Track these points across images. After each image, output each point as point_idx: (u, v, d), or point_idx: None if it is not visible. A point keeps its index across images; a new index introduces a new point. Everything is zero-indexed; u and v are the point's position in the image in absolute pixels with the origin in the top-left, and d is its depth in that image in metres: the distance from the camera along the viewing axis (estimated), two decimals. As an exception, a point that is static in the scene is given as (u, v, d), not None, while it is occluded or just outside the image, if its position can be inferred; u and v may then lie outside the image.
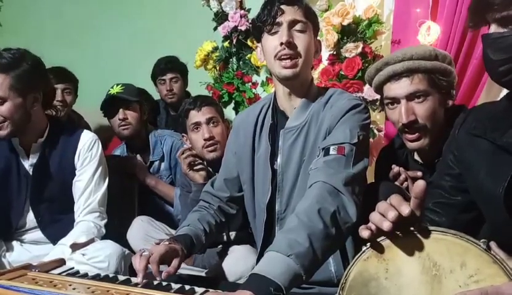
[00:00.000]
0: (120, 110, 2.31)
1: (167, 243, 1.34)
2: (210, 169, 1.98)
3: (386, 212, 0.83)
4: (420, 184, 0.84)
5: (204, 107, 1.96)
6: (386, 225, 0.83)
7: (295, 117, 1.44)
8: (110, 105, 2.33)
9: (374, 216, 0.86)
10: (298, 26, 1.39)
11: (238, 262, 1.70)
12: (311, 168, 1.29)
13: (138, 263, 1.23)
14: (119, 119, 2.30)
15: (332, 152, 1.27)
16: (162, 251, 1.27)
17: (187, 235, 1.44)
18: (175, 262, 1.30)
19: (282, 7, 1.38)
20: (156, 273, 1.22)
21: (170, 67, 2.97)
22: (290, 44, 1.36)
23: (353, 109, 1.36)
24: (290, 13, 1.38)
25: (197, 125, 1.95)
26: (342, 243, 1.32)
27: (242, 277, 1.63)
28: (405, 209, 0.82)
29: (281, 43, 1.36)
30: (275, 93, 1.52)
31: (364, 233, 0.86)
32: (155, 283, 1.17)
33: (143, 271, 1.19)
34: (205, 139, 1.92)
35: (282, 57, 1.37)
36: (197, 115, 1.95)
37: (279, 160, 1.44)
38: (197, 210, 1.60)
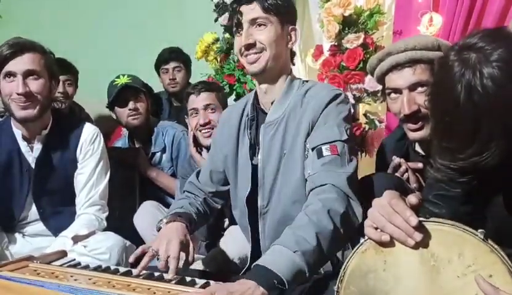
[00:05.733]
0: (131, 100, 2.30)
1: (166, 220, 1.37)
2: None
3: (392, 219, 0.86)
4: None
5: (203, 92, 1.99)
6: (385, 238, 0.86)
7: (273, 110, 1.43)
8: (120, 95, 2.31)
9: (380, 222, 0.87)
10: (257, 22, 1.39)
11: (235, 241, 1.70)
12: (309, 173, 1.29)
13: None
14: (130, 109, 2.30)
15: (325, 153, 1.28)
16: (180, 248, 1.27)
17: (187, 212, 1.45)
18: (191, 252, 1.31)
19: (241, 9, 1.40)
20: (174, 269, 1.20)
21: (173, 56, 2.99)
22: (249, 46, 1.38)
23: (334, 100, 1.37)
24: (248, 12, 1.39)
25: (195, 110, 1.99)
26: (346, 243, 1.33)
27: (239, 256, 1.64)
28: (413, 221, 0.83)
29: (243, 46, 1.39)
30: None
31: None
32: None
33: (143, 268, 1.20)
34: (200, 125, 1.97)
35: (246, 54, 1.40)
36: (195, 101, 1.99)
37: (259, 155, 1.43)
38: (183, 198, 1.60)
